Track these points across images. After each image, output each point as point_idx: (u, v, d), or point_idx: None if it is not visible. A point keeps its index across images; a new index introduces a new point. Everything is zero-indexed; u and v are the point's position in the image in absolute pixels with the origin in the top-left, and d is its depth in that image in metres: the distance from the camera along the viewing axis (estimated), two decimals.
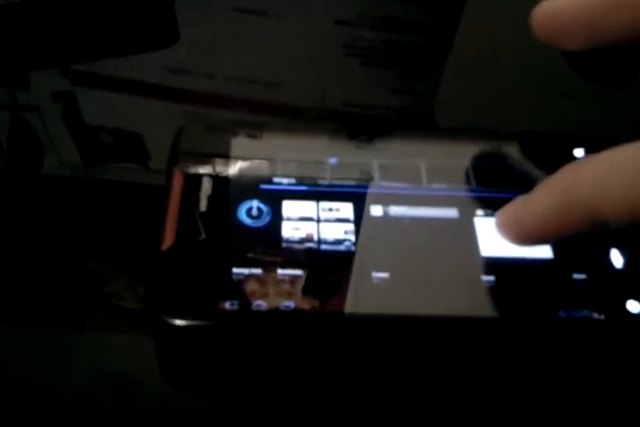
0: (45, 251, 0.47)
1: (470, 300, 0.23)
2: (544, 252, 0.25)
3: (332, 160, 0.26)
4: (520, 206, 0.21)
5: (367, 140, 0.27)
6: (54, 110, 0.43)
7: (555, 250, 0.25)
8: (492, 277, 0.24)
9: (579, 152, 0.27)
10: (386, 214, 0.25)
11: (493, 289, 0.24)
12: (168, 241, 0.23)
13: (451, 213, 0.26)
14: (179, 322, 0.22)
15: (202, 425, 0.38)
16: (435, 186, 0.26)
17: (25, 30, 0.32)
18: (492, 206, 0.26)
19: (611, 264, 0.25)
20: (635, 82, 0.33)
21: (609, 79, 0.33)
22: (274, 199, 0.25)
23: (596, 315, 0.23)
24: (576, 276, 0.24)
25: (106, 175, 0.47)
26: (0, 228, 0.46)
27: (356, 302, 0.23)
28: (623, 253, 0.25)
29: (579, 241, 0.24)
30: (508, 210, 0.21)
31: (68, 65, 0.37)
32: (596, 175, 0.18)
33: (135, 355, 0.38)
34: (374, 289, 0.23)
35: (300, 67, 0.38)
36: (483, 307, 0.23)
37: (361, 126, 0.28)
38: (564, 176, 0.19)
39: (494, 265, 0.24)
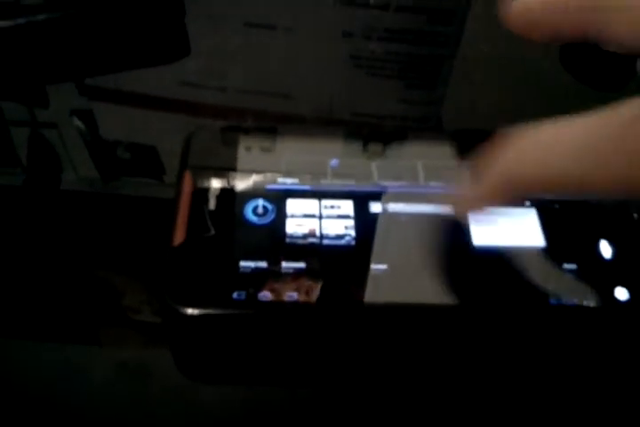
0: (63, 264, 0.48)
1: (463, 289, 0.24)
2: (536, 241, 0.26)
3: (334, 162, 0.28)
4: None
5: (380, 150, 0.28)
6: (72, 127, 0.44)
7: (546, 240, 0.26)
8: (485, 267, 0.25)
9: None
10: (384, 211, 0.26)
11: (487, 278, 0.25)
12: (179, 237, 0.25)
13: (445, 208, 0.27)
14: (190, 311, 0.23)
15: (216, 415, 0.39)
16: (432, 184, 0.27)
17: (42, 46, 0.34)
18: None
19: (600, 255, 0.25)
20: (630, 86, 0.33)
21: (605, 83, 0.34)
22: (278, 198, 0.26)
23: (585, 302, 0.24)
24: (567, 265, 0.25)
25: (123, 190, 0.48)
26: (19, 242, 0.47)
27: (356, 292, 0.24)
28: (612, 244, 0.26)
29: (569, 233, 0.26)
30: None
31: (83, 79, 0.38)
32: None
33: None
34: (374, 280, 0.24)
35: (309, 78, 0.39)
36: (477, 295, 0.24)
37: (373, 136, 0.29)
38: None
39: (487, 255, 0.25)
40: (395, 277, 0.25)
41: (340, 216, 0.26)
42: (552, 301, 0.24)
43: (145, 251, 0.47)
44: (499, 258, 0.25)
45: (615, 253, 0.25)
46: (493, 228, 0.26)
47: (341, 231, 0.26)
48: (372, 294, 0.24)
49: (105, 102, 0.41)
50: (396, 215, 0.26)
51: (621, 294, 0.24)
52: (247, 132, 0.28)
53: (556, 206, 0.27)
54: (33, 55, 0.36)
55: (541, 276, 0.25)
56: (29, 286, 0.48)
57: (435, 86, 0.39)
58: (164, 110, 0.41)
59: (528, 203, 0.27)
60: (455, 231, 0.26)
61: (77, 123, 0.44)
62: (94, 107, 0.42)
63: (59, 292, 0.48)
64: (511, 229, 0.26)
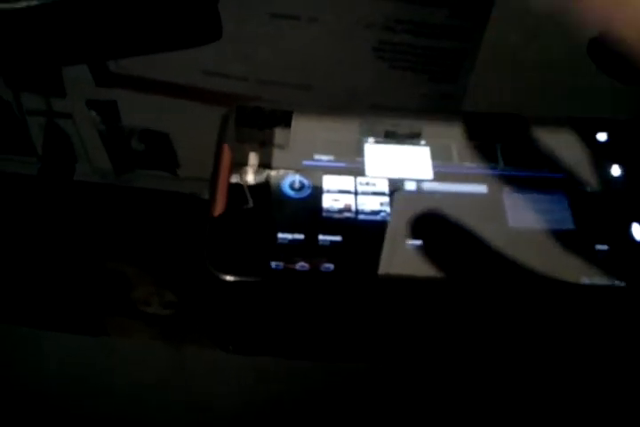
0: (74, 255, 0.48)
1: (497, 267, 0.25)
2: (567, 224, 0.26)
3: (369, 140, 0.28)
4: None
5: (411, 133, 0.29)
6: (88, 118, 0.44)
7: (577, 223, 0.26)
8: (517, 247, 0.25)
9: (601, 136, 0.29)
10: (419, 189, 0.27)
11: (519, 258, 0.25)
12: (219, 208, 0.25)
13: (480, 188, 0.27)
14: (230, 278, 0.23)
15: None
16: (466, 164, 0.28)
17: (67, 26, 0.34)
18: (519, 184, 0.27)
19: (632, 237, 0.26)
20: None
21: (631, 77, 0.34)
22: (315, 173, 0.27)
23: (617, 282, 0.24)
24: (599, 246, 0.26)
25: (136, 183, 0.48)
26: (32, 231, 0.47)
27: (390, 265, 0.24)
28: None
29: (602, 216, 0.26)
30: None
31: (114, 59, 0.38)
32: None
33: None
34: (408, 254, 0.25)
35: (330, 70, 0.39)
36: (510, 273, 0.25)
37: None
38: None
39: (520, 236, 0.26)
40: (428, 253, 0.25)
41: (375, 193, 0.27)
42: (584, 281, 0.25)
43: (155, 244, 0.47)
44: (531, 239, 0.26)
45: None
46: (527, 210, 0.26)
47: (376, 207, 0.26)
48: (405, 268, 0.24)
49: (126, 90, 0.41)
50: (430, 194, 0.27)
51: None
52: (282, 111, 0.28)
53: (588, 190, 0.27)
54: (55, 35, 0.36)
55: (573, 257, 0.25)
56: (40, 276, 0.47)
57: (456, 80, 0.39)
58: (184, 99, 0.41)
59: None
60: (489, 211, 0.26)
61: (93, 113, 0.44)
62: (115, 94, 0.42)
63: (68, 282, 0.48)
64: (543, 212, 0.27)
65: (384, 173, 0.27)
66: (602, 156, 0.28)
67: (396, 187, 0.27)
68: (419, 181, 0.27)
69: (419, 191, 0.27)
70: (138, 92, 0.42)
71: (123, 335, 0.48)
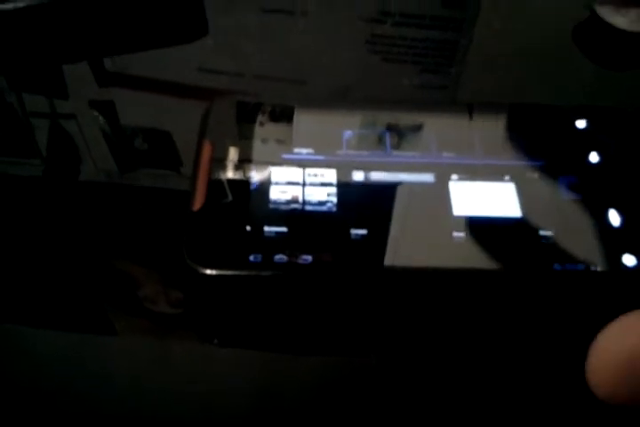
0: (80, 254, 0.48)
1: (451, 253, 0.25)
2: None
3: (347, 133, 0.28)
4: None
5: (396, 140, 0.29)
6: (91, 119, 0.45)
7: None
8: (463, 234, 0.25)
9: (580, 123, 0.29)
10: (366, 179, 0.27)
11: (474, 244, 0.25)
12: (198, 202, 0.25)
13: (427, 178, 0.27)
14: (209, 272, 0.23)
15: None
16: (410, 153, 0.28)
17: (57, 26, 0.34)
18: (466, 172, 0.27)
19: (609, 223, 0.26)
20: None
21: (617, 63, 0.34)
22: (295, 167, 0.27)
23: (592, 267, 0.24)
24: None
25: (140, 182, 0.49)
26: (38, 232, 0.47)
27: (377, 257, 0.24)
28: (620, 212, 0.26)
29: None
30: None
31: (101, 58, 0.39)
32: None
33: None
34: (353, 244, 0.25)
35: (324, 64, 0.39)
36: (473, 260, 0.24)
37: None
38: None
39: (466, 223, 0.25)
40: (375, 242, 0.25)
41: (323, 184, 0.27)
42: (556, 266, 0.24)
43: (161, 242, 0.47)
44: (480, 228, 0.26)
45: (624, 222, 0.26)
46: (472, 199, 0.26)
47: (324, 198, 0.26)
48: (403, 261, 0.24)
49: (123, 89, 0.42)
50: (378, 183, 0.27)
51: (629, 260, 0.25)
52: (264, 105, 0.28)
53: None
54: (48, 35, 0.36)
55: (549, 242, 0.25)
56: (47, 276, 0.48)
57: (450, 71, 0.39)
58: (181, 96, 0.42)
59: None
60: (435, 200, 0.26)
61: (96, 114, 0.44)
62: (113, 93, 0.42)
63: (75, 281, 0.48)
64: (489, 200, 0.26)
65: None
66: (581, 143, 0.28)
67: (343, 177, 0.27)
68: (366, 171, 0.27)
69: (365, 181, 0.27)
70: (135, 91, 0.42)
71: (129, 333, 0.49)
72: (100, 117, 0.45)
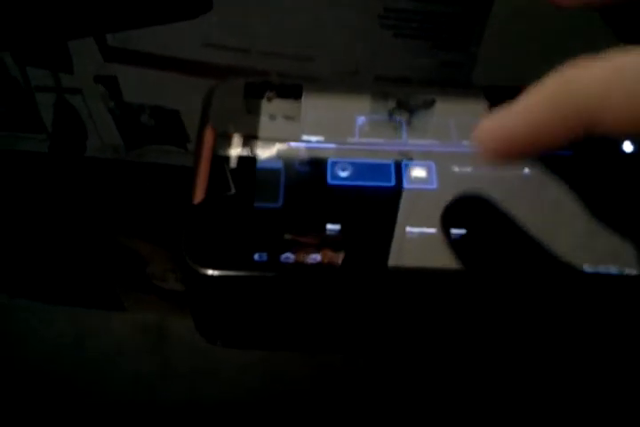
0: (88, 231, 0.48)
1: (494, 255, 0.23)
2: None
3: (360, 119, 0.26)
4: (505, 114, 0.18)
5: (407, 117, 0.27)
6: (97, 93, 0.44)
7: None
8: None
9: None
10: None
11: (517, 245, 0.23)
12: (199, 195, 0.24)
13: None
14: (211, 272, 0.22)
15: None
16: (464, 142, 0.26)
17: (62, 1, 0.33)
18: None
19: None
20: None
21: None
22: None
23: (625, 270, 0.23)
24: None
25: (147, 158, 0.48)
26: (45, 208, 0.47)
27: (386, 255, 0.23)
28: None
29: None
30: (492, 120, 0.19)
31: (104, 34, 0.38)
32: (597, 80, 0.16)
33: None
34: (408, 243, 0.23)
35: (334, 39, 0.38)
36: (506, 262, 0.23)
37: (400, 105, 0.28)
38: (558, 79, 0.17)
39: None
40: (433, 242, 0.23)
41: None
42: (587, 268, 0.23)
43: (168, 219, 0.47)
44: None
45: None
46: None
47: None
48: (410, 259, 0.23)
49: (128, 65, 0.41)
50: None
51: None
52: (271, 87, 0.27)
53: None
54: (53, 10, 0.35)
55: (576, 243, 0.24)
56: (54, 252, 0.48)
57: (466, 47, 0.38)
58: (187, 73, 0.40)
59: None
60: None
61: (101, 89, 0.43)
62: (117, 70, 0.41)
63: (83, 258, 0.48)
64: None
65: None
66: None
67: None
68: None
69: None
70: (139, 67, 0.41)
71: (137, 309, 0.49)
72: (106, 92, 0.44)
